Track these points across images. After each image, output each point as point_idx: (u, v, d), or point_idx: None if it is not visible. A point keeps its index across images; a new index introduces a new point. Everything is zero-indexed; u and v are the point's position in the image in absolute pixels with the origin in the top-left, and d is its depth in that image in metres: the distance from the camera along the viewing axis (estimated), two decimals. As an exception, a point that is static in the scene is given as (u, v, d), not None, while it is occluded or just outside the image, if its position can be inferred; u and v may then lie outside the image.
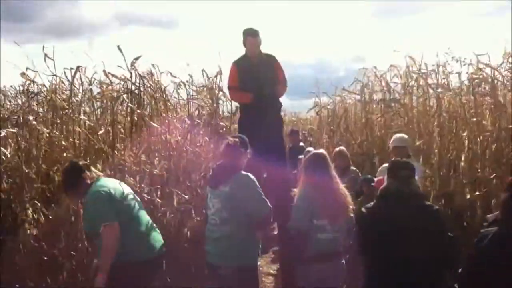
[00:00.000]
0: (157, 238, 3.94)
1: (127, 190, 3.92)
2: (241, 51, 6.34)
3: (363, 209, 3.67)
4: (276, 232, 6.45)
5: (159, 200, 5.58)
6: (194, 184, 6.06)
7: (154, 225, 4.03)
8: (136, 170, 5.56)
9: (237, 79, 6.27)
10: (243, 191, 3.69)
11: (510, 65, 6.22)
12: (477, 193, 5.81)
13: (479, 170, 6.03)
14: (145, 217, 3.95)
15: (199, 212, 5.61)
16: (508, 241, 2.81)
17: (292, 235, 3.84)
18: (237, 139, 3.94)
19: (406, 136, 5.54)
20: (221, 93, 6.88)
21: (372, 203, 3.64)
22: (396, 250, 3.27)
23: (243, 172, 3.77)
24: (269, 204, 3.74)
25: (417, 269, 3.28)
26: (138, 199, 4.06)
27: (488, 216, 3.58)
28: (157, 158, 5.92)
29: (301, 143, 9.38)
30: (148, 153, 5.90)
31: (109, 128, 5.91)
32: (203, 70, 6.86)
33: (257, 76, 6.07)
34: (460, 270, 3.21)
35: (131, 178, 5.36)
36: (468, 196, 5.90)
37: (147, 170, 5.69)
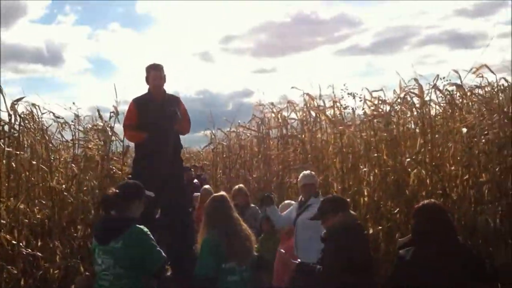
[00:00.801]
0: None
1: None
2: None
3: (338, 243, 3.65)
4: (170, 273, 6.09)
5: (39, 253, 4.98)
6: (81, 234, 5.50)
7: None
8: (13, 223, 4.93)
9: (135, 117, 5.85)
10: (137, 247, 3.41)
11: (401, 101, 6.42)
12: (380, 227, 5.80)
13: (381, 203, 6.06)
14: None
15: (87, 265, 5.12)
16: (424, 259, 3.10)
17: (199, 280, 3.68)
18: (119, 190, 3.55)
19: (313, 173, 5.43)
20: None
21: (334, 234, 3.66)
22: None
23: (136, 226, 3.46)
24: (163, 254, 3.54)
25: None
26: None
27: (399, 239, 3.75)
28: (37, 207, 5.29)
29: (195, 180, 9.08)
30: (28, 202, 5.26)
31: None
32: (98, 110, 6.41)
33: (159, 114, 5.68)
34: None
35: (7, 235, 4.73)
36: (371, 231, 5.88)
37: (26, 220, 5.07)
